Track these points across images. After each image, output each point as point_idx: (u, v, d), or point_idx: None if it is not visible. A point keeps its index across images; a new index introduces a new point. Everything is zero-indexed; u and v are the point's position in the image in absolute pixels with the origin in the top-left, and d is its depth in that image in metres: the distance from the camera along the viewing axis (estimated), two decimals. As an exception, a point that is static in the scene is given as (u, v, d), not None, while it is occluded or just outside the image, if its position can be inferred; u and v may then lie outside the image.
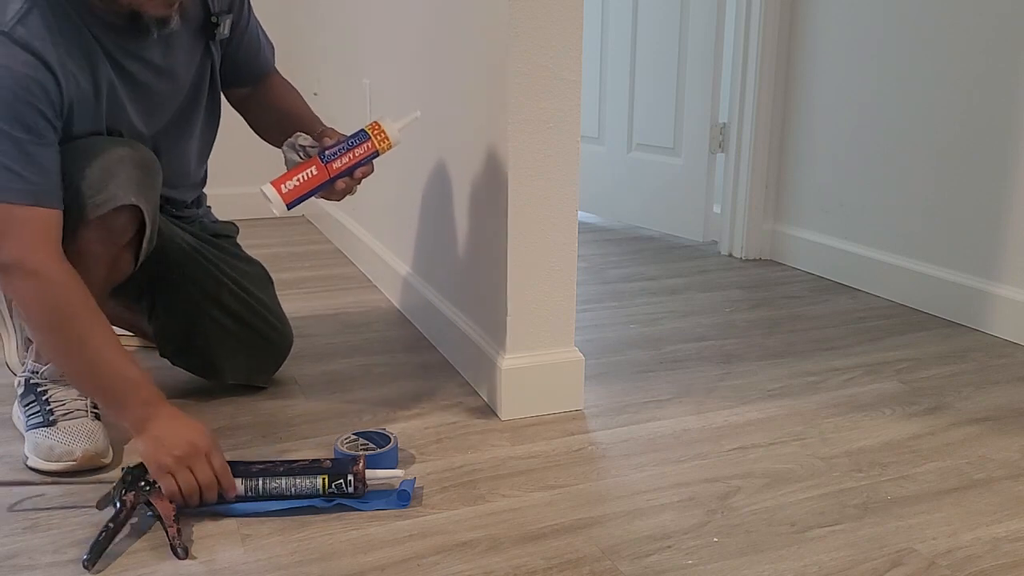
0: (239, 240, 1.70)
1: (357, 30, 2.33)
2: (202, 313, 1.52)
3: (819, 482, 1.29)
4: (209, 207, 1.67)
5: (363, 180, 1.34)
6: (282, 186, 1.28)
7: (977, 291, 1.98)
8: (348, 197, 1.37)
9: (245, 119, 1.61)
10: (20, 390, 1.38)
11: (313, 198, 1.33)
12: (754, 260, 2.60)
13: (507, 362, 1.47)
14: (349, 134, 1.33)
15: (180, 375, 1.64)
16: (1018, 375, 1.72)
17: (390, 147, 1.32)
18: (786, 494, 1.25)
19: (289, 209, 1.29)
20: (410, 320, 2.00)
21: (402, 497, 1.21)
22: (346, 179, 1.31)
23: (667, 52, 2.76)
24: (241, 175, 3.07)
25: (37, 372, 1.36)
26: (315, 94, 2.81)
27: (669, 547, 1.12)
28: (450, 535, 1.14)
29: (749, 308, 2.13)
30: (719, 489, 1.27)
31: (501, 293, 1.48)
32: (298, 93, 1.59)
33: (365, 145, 1.31)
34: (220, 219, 1.69)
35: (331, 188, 1.32)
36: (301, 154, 1.35)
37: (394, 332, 1.94)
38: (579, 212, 1.52)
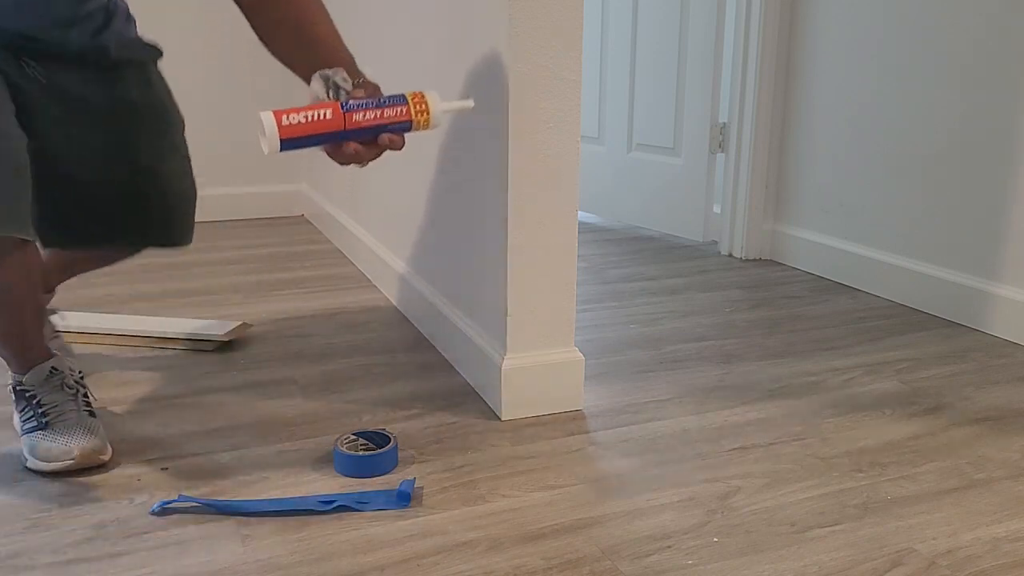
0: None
1: (356, 28, 2.33)
2: (73, 182, 1.36)
3: (819, 482, 1.29)
4: (134, 21, 1.40)
5: (385, 153, 1.14)
6: (284, 117, 1.05)
7: (977, 291, 1.98)
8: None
9: (251, 23, 1.31)
10: (12, 396, 1.38)
11: (323, 155, 1.15)
12: (754, 260, 2.60)
13: (507, 362, 1.47)
14: (388, 95, 1.13)
15: (177, 374, 1.64)
16: (1018, 375, 1.72)
17: (428, 125, 1.12)
18: (786, 494, 1.25)
19: (282, 149, 1.06)
20: (410, 320, 2.00)
21: (402, 497, 1.21)
22: (359, 145, 1.10)
23: (667, 52, 2.76)
24: (235, 175, 3.07)
25: (20, 381, 1.35)
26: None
27: (669, 547, 1.12)
28: (450, 535, 1.14)
29: (749, 308, 2.13)
30: (719, 489, 1.27)
31: (501, 293, 1.48)
32: (329, 16, 1.29)
33: (399, 109, 1.10)
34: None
35: (340, 146, 1.10)
36: (331, 93, 1.12)
37: (394, 332, 1.94)
38: (579, 212, 1.52)
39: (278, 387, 1.62)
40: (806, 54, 2.41)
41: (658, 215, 2.92)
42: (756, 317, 2.07)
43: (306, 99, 1.14)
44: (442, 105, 1.12)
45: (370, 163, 1.15)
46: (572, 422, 1.49)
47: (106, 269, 1.68)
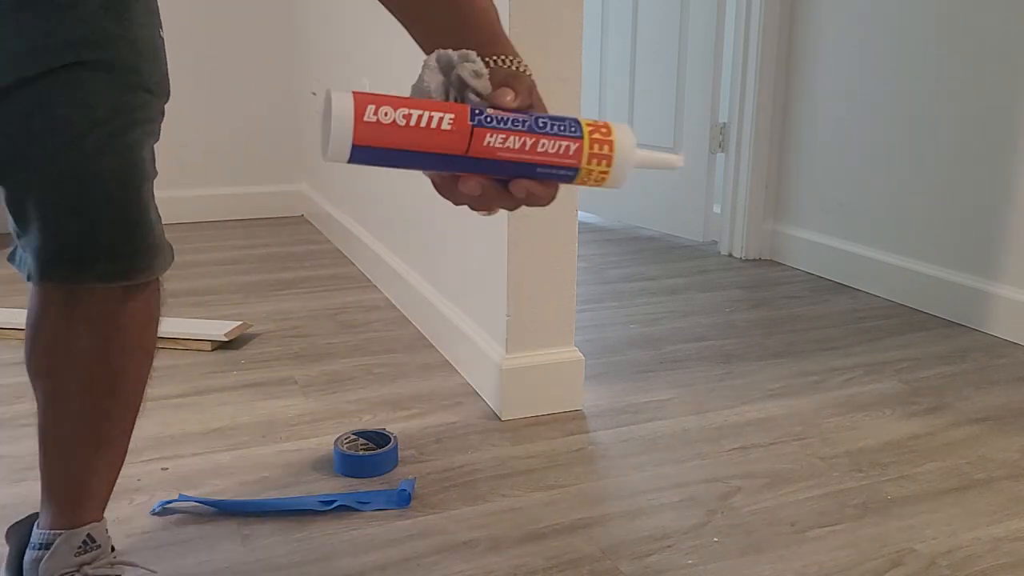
0: None
1: (357, 28, 2.33)
2: None
3: (819, 482, 1.29)
4: None
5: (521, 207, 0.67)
6: (370, 110, 0.59)
7: (977, 291, 1.98)
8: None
9: None
10: None
11: (423, 178, 0.68)
12: (754, 260, 2.60)
13: (507, 362, 1.47)
14: (553, 114, 0.67)
15: (177, 374, 1.64)
16: (1018, 375, 1.72)
17: (604, 180, 0.66)
18: (786, 494, 1.25)
19: (352, 159, 0.61)
20: (410, 320, 2.00)
21: (402, 497, 1.21)
22: (487, 181, 0.64)
23: (667, 52, 2.76)
24: (235, 175, 3.07)
25: None
26: (314, 94, 2.81)
27: (669, 547, 1.12)
28: (450, 535, 1.14)
29: (749, 308, 2.13)
30: (719, 489, 1.27)
31: (501, 293, 1.48)
32: None
33: (566, 145, 0.64)
34: None
35: (454, 181, 0.64)
36: (453, 91, 0.65)
37: (394, 332, 1.94)
38: (579, 212, 1.51)
39: (278, 387, 1.62)
40: (806, 54, 2.41)
41: (658, 215, 2.92)
42: (756, 317, 2.06)
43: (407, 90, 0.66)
44: (637, 153, 0.66)
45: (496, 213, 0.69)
46: (572, 422, 1.48)
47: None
